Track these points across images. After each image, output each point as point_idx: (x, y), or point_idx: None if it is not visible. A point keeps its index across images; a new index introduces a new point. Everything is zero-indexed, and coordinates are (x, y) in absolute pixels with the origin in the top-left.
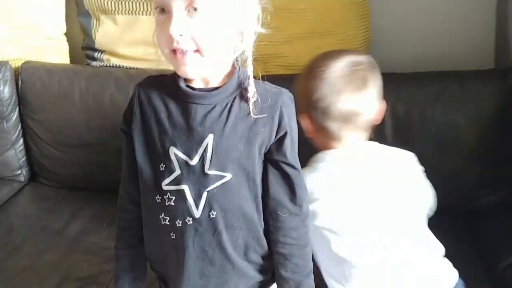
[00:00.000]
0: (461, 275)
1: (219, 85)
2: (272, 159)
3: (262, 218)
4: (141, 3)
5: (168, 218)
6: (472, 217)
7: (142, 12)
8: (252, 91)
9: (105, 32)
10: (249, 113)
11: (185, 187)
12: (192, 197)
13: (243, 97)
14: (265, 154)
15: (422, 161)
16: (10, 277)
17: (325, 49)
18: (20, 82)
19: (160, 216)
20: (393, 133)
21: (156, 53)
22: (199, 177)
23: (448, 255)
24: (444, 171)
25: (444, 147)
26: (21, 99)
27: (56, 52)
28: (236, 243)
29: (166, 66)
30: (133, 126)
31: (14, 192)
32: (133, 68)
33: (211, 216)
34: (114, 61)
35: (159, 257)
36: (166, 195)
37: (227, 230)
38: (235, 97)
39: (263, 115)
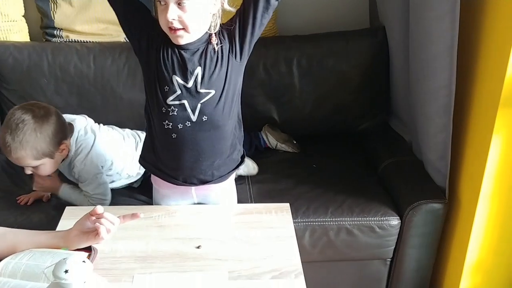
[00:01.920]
0: (355, 175)
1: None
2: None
3: (236, 121)
4: None
5: (172, 124)
6: (359, 138)
7: None
8: (214, 39)
9: (63, 13)
10: (214, 49)
11: (185, 102)
12: (190, 108)
13: (210, 41)
14: (242, 43)
15: (322, 98)
16: None
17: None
18: None
19: (164, 122)
20: (299, 80)
21: (107, 28)
22: (194, 94)
23: (347, 165)
24: (337, 105)
25: (336, 88)
26: None
27: (17, 32)
28: (220, 137)
29: (115, 39)
30: (154, 46)
31: None
32: (90, 42)
33: (204, 120)
34: (73, 36)
35: (161, 153)
36: (170, 108)
37: (214, 129)
38: (207, 44)
39: (220, 45)
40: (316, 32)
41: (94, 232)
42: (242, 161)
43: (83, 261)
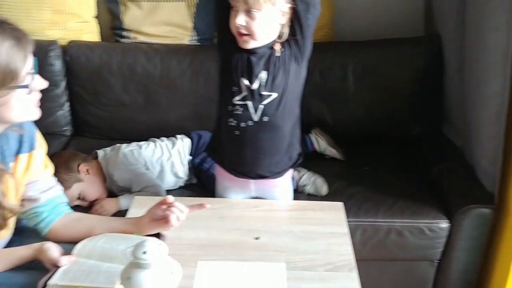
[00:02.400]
0: (406, 178)
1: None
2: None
3: (295, 122)
4: None
5: (236, 121)
6: (412, 143)
7: None
8: (278, 46)
9: (131, 15)
10: (278, 56)
11: (248, 102)
12: (253, 109)
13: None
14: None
15: (375, 102)
16: None
17: None
18: (68, 57)
19: (229, 120)
20: (353, 83)
21: (173, 31)
22: (257, 96)
23: (398, 168)
24: (390, 110)
25: (388, 91)
26: (69, 70)
27: (89, 32)
28: (279, 137)
29: (180, 41)
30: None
31: (63, 144)
32: (156, 43)
33: (265, 120)
34: (140, 38)
35: (225, 147)
36: (235, 107)
37: (274, 129)
38: (272, 49)
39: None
40: (371, 38)
41: (164, 220)
42: (298, 159)
43: (160, 244)
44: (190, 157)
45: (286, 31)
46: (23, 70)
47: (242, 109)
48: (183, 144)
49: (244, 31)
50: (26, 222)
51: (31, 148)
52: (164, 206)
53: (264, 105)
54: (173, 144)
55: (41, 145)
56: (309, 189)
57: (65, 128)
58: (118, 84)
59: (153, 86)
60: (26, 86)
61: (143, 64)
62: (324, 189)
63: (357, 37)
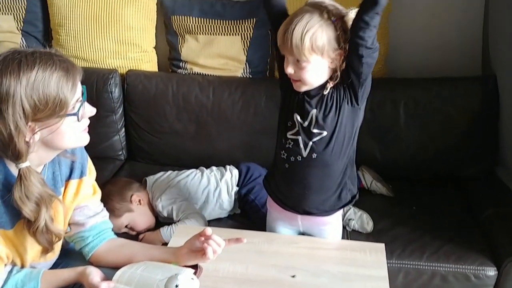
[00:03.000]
0: (455, 221)
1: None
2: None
3: (348, 162)
4: (217, 26)
5: (286, 154)
6: (463, 185)
7: (218, 33)
8: (329, 87)
9: (189, 48)
10: (331, 95)
11: (299, 138)
12: (303, 144)
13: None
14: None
15: (426, 141)
16: None
17: None
18: (126, 85)
19: (281, 152)
20: (404, 121)
21: (227, 63)
22: (307, 133)
23: (447, 210)
24: (442, 149)
25: (441, 132)
26: (126, 97)
27: (147, 62)
28: (328, 175)
29: (233, 73)
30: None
31: (117, 168)
32: (211, 75)
33: (313, 157)
34: (196, 69)
35: (277, 178)
36: (287, 141)
37: (322, 166)
38: (323, 91)
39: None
40: (426, 76)
41: (202, 252)
42: (351, 201)
43: (192, 278)
44: (237, 188)
45: (338, 73)
46: (72, 99)
47: (293, 143)
48: (232, 175)
49: (295, 78)
50: (72, 245)
51: (82, 174)
52: (202, 238)
53: (313, 142)
54: (222, 175)
55: (91, 171)
56: (354, 224)
57: (119, 153)
58: (172, 113)
59: (204, 116)
60: (75, 114)
61: (197, 94)
62: (369, 226)
63: (411, 75)
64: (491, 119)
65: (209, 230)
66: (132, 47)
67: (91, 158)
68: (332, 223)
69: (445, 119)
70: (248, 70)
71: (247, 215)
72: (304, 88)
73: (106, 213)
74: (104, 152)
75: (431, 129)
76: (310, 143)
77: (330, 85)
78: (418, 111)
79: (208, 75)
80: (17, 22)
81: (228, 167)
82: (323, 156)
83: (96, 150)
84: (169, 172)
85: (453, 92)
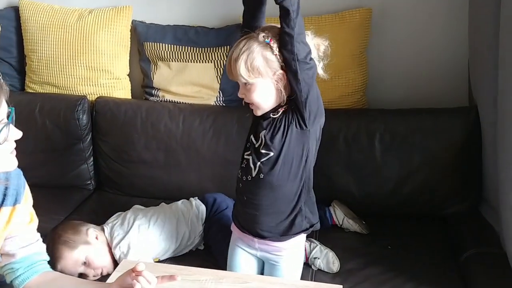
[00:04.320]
0: (433, 261)
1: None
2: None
3: (303, 187)
4: (190, 53)
5: (241, 174)
6: (444, 223)
7: (190, 60)
8: (280, 111)
9: (161, 75)
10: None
11: (250, 158)
12: (252, 164)
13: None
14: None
15: (405, 176)
16: None
17: (333, 90)
18: (94, 112)
19: (239, 172)
20: (381, 155)
21: (200, 91)
22: (257, 153)
23: (426, 250)
24: (422, 185)
25: (421, 167)
26: (95, 125)
27: (120, 89)
28: (277, 197)
29: (206, 101)
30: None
31: (84, 198)
32: (183, 102)
33: (260, 177)
34: (168, 97)
35: (236, 199)
36: (244, 160)
37: (270, 188)
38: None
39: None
40: (409, 108)
41: None
42: (308, 229)
43: None
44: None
45: (283, 94)
46: None
47: (246, 163)
48: (199, 212)
49: (247, 101)
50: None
51: (16, 201)
52: (133, 274)
53: (261, 162)
54: (188, 215)
55: (27, 199)
56: (319, 263)
57: (87, 182)
58: (140, 141)
59: (174, 145)
60: None
61: (166, 122)
62: (335, 266)
63: (393, 106)
64: (474, 153)
65: (141, 266)
66: (104, 74)
67: (58, 187)
68: (288, 251)
69: (425, 153)
70: (221, 98)
71: (209, 249)
72: (258, 112)
73: (42, 245)
74: (71, 181)
75: (410, 163)
76: (258, 163)
77: (281, 109)
78: (396, 144)
79: (180, 102)
80: None
81: (194, 202)
82: (270, 177)
83: (63, 179)
84: (128, 214)
85: (434, 124)
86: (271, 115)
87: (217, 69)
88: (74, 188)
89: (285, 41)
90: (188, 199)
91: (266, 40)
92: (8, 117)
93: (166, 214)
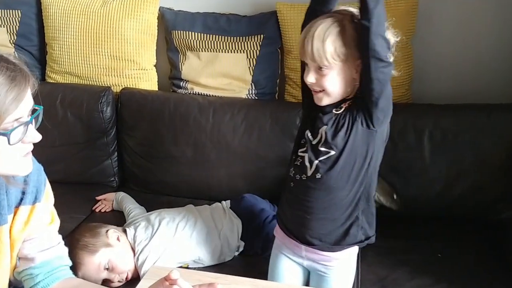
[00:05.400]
0: (488, 272)
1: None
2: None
3: (362, 194)
4: (221, 43)
5: (293, 172)
6: (498, 228)
7: (222, 50)
8: (344, 106)
9: (190, 66)
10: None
11: (306, 155)
12: (308, 162)
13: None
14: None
15: (456, 177)
16: None
17: None
18: (119, 105)
19: (290, 169)
20: (430, 153)
21: (231, 83)
22: (315, 151)
23: (480, 258)
24: (474, 187)
25: (473, 167)
26: (119, 118)
27: (147, 80)
28: (333, 201)
29: (237, 94)
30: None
31: None
32: (213, 95)
33: (317, 177)
34: (197, 89)
35: (283, 200)
36: (297, 158)
37: (327, 189)
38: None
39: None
40: (455, 103)
41: None
42: (363, 242)
43: None
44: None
45: (356, 87)
46: (8, 116)
47: (301, 160)
48: (233, 226)
49: (316, 88)
50: None
51: (35, 200)
52: (166, 283)
53: (319, 160)
54: (221, 229)
55: (48, 197)
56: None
57: (111, 179)
58: (168, 136)
59: (203, 140)
60: (5, 134)
61: (195, 116)
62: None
63: (438, 101)
64: None
65: (175, 273)
66: (129, 64)
67: (80, 184)
68: (339, 262)
69: (477, 152)
70: (253, 91)
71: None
72: (325, 101)
73: (63, 248)
74: (94, 177)
75: (461, 163)
76: (316, 161)
77: (344, 105)
78: (446, 142)
79: (209, 95)
80: (10, 35)
81: (227, 212)
82: (327, 177)
83: (85, 175)
84: (152, 216)
85: (487, 121)
86: (334, 110)
87: (249, 59)
88: (96, 185)
89: (361, 33)
90: (220, 201)
91: (356, 20)
92: (32, 115)
93: (197, 222)
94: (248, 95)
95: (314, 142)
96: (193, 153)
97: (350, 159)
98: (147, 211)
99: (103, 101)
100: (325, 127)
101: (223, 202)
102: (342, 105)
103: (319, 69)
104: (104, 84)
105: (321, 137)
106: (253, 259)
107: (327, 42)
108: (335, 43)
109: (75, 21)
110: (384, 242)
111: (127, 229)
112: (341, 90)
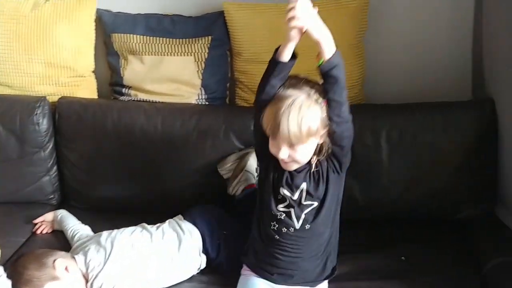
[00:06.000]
0: (454, 274)
1: None
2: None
3: (334, 230)
4: (166, 45)
5: (277, 226)
6: (459, 228)
7: (167, 53)
8: (314, 163)
9: (132, 71)
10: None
11: (291, 210)
12: (295, 216)
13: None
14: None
15: (415, 179)
16: None
17: None
18: (57, 116)
19: (271, 223)
20: (388, 157)
21: (179, 89)
22: (299, 205)
23: (443, 260)
24: (432, 188)
25: (432, 168)
26: (58, 130)
27: (85, 88)
28: (318, 244)
29: (186, 100)
30: (266, 164)
31: None
32: (159, 102)
33: (306, 228)
34: (141, 96)
35: (261, 250)
36: (279, 212)
37: (315, 236)
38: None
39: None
40: (405, 101)
41: None
42: (332, 274)
43: None
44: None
45: (328, 147)
46: None
47: (285, 215)
48: (192, 241)
49: (288, 160)
50: None
51: None
52: None
53: (305, 213)
54: (179, 243)
55: None
56: None
57: (50, 197)
58: (112, 148)
59: (152, 150)
60: None
61: (142, 125)
62: None
63: (391, 101)
64: (488, 150)
65: None
66: (66, 71)
67: (16, 204)
68: None
69: (436, 152)
70: (203, 96)
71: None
72: (295, 167)
73: (6, 282)
74: (31, 196)
75: (420, 164)
76: (303, 215)
77: (314, 160)
78: (404, 142)
79: (156, 102)
80: None
81: (185, 227)
82: (315, 225)
83: (21, 194)
84: (102, 237)
85: (443, 120)
86: (307, 166)
87: (197, 62)
88: (34, 204)
89: (333, 107)
90: (172, 215)
91: (320, 101)
92: None
93: (153, 241)
94: (198, 100)
95: (295, 198)
96: (141, 165)
97: (330, 205)
98: (92, 230)
99: (38, 112)
100: (304, 183)
101: (178, 217)
102: (311, 161)
103: (291, 145)
104: (39, 94)
105: (301, 193)
106: (218, 276)
107: (303, 126)
108: (309, 122)
109: (3, 26)
110: (346, 247)
111: (76, 256)
112: (310, 157)
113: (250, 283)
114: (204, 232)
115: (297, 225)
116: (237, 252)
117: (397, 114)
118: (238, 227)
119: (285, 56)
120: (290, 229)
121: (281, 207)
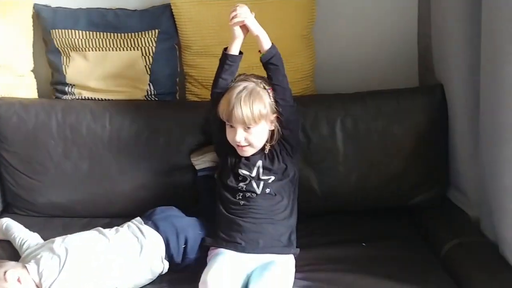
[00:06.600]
0: (413, 259)
1: None
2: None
3: (294, 207)
4: (110, 40)
5: (242, 195)
6: (413, 213)
7: (111, 48)
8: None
9: (76, 68)
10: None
11: (252, 182)
12: (256, 185)
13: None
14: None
15: (369, 165)
16: None
17: None
18: None
19: (236, 195)
20: (343, 143)
21: (126, 85)
22: (258, 179)
23: (402, 245)
24: (387, 175)
25: (386, 154)
26: None
27: (24, 88)
28: (279, 207)
29: (134, 96)
30: (224, 156)
31: None
32: (106, 99)
33: (267, 192)
34: (86, 94)
35: (224, 222)
36: (238, 190)
37: (276, 200)
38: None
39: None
40: (356, 90)
41: None
42: (296, 252)
43: None
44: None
45: (279, 132)
46: None
47: (245, 187)
48: (154, 247)
49: (244, 144)
50: None
51: None
52: None
53: (264, 183)
54: (141, 248)
55: None
56: None
57: None
58: (57, 149)
59: (100, 150)
60: None
61: (89, 124)
62: None
63: (340, 91)
64: (439, 135)
65: None
66: (3, 71)
67: None
68: (283, 265)
69: (388, 139)
70: (153, 92)
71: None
72: (250, 152)
73: None
74: None
75: (374, 151)
76: (262, 182)
77: (268, 146)
78: (358, 131)
79: (102, 99)
80: None
81: (146, 231)
82: (276, 190)
83: None
84: (55, 244)
85: (395, 107)
86: (258, 152)
87: (145, 57)
88: None
89: (278, 91)
90: (124, 218)
91: (267, 87)
92: None
93: (110, 247)
94: (147, 97)
95: (253, 175)
96: (89, 166)
97: (287, 178)
98: (42, 238)
99: None
100: (260, 161)
101: (137, 220)
102: (265, 147)
103: (246, 128)
104: None
105: (258, 169)
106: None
107: (254, 108)
108: (259, 105)
109: None
110: (305, 238)
111: (27, 266)
112: (263, 142)
113: (220, 254)
114: (167, 237)
115: (259, 191)
116: (205, 252)
117: (350, 103)
118: (204, 226)
119: (233, 52)
120: (252, 194)
121: (242, 184)
